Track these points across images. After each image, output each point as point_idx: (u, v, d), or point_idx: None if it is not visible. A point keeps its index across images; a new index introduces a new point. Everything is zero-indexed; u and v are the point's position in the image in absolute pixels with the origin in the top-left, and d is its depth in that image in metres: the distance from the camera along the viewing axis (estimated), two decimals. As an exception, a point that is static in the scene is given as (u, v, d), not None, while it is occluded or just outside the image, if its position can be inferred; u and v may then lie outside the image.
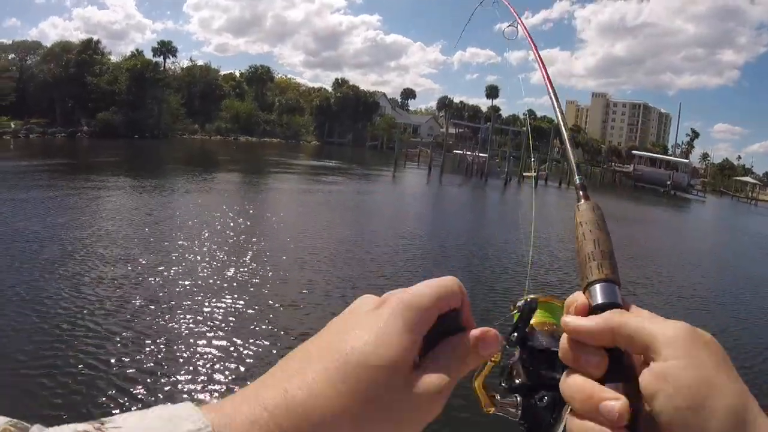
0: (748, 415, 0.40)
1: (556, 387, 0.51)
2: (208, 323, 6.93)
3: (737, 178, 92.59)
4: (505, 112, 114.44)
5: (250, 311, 7.56)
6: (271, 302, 8.06)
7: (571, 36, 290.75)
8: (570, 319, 0.49)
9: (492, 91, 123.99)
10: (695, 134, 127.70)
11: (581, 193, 0.60)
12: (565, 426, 0.50)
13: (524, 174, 44.45)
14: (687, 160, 73.72)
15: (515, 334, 0.54)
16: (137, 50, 61.79)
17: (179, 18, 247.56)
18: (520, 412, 0.54)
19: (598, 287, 0.50)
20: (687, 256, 18.49)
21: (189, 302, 7.56)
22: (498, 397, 0.54)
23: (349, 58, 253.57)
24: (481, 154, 46.48)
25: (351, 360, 0.43)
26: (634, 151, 78.12)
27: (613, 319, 0.47)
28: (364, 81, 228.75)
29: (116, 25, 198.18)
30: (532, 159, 51.56)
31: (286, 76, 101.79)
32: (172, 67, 69.64)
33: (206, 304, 7.54)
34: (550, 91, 0.74)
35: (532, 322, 0.56)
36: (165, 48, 70.68)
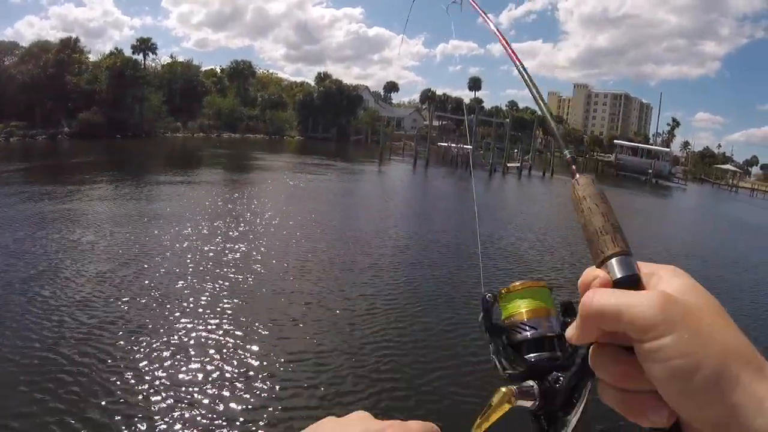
0: (728, 380, 0.41)
1: (565, 367, 0.52)
2: (195, 337, 6.80)
3: (718, 165, 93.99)
4: (487, 104, 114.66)
5: (235, 317, 7.52)
6: (257, 308, 8.06)
7: (554, 28, 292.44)
8: (569, 333, 0.50)
9: (475, 83, 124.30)
10: (676, 123, 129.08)
11: (573, 167, 0.60)
12: (586, 404, 0.51)
13: (508, 164, 44.96)
14: (668, 149, 74.84)
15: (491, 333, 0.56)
16: (117, 48, 61.06)
17: (158, 13, 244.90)
18: (538, 400, 0.54)
19: (616, 261, 0.50)
20: (671, 242, 18.84)
21: (172, 315, 7.37)
22: (515, 388, 0.54)
23: (332, 51, 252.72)
24: (465, 146, 46.73)
25: None
26: (616, 141, 78.95)
27: (591, 308, 0.47)
28: (347, 74, 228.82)
29: (93, 23, 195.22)
30: (515, 150, 52.07)
31: (267, 71, 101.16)
32: (153, 65, 68.97)
33: (190, 319, 7.32)
34: (516, 62, 0.71)
35: (523, 310, 0.56)
36: (145, 45, 69.90)
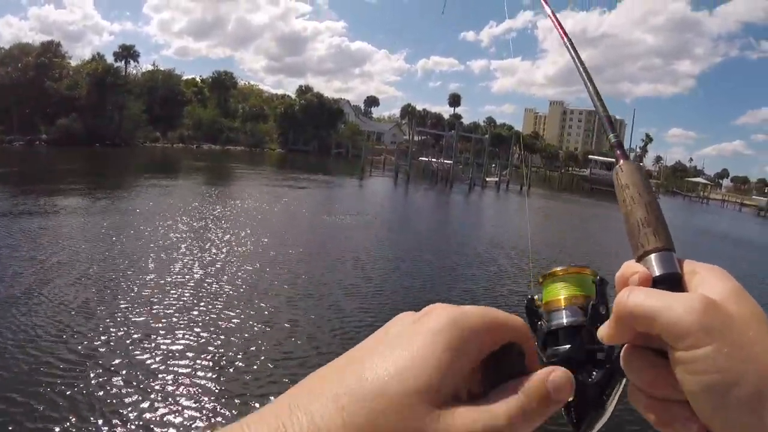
0: (766, 400, 0.38)
1: (601, 361, 0.51)
2: (177, 349, 6.71)
3: (689, 179, 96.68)
4: (466, 120, 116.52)
5: (219, 332, 7.46)
6: (240, 321, 8.05)
7: (533, 46, 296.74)
8: (602, 331, 0.47)
9: (454, 99, 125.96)
10: (649, 139, 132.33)
11: (619, 152, 0.56)
12: (615, 402, 0.50)
13: (486, 179, 45.95)
14: (641, 164, 76.36)
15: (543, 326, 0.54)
16: (98, 54, 60.53)
17: (138, 19, 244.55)
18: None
19: (656, 257, 0.47)
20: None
21: (151, 331, 7.14)
22: None
23: (313, 64, 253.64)
24: (445, 161, 47.66)
25: (366, 387, 0.37)
26: (590, 156, 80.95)
27: (625, 308, 0.44)
28: (328, 87, 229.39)
29: (73, 26, 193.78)
30: (494, 165, 53.14)
31: (248, 83, 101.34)
32: (134, 72, 68.63)
33: (171, 332, 7.18)
34: (571, 51, 0.71)
35: (561, 297, 0.55)
36: (127, 52, 69.53)
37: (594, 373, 0.51)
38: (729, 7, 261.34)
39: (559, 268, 0.56)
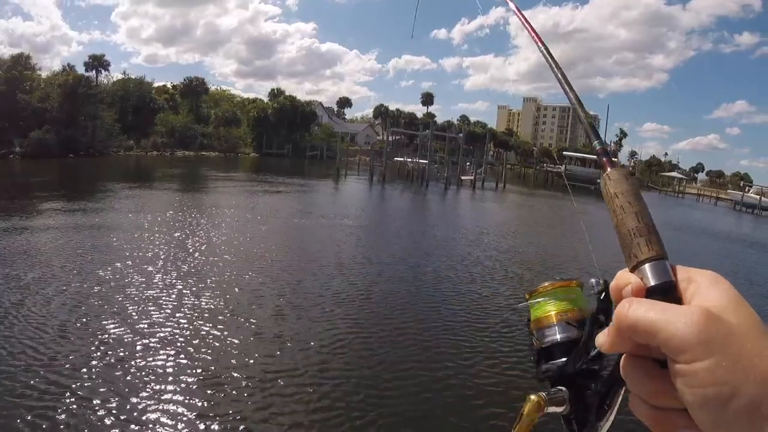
0: (766, 412, 0.38)
1: (597, 371, 0.51)
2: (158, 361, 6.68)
3: (664, 173, 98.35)
4: (440, 118, 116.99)
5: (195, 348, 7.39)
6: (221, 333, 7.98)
7: (505, 42, 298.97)
8: (600, 340, 0.48)
9: (427, 98, 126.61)
10: (623, 134, 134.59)
11: (604, 159, 0.55)
12: (616, 410, 0.50)
13: (462, 177, 46.20)
14: (615, 159, 77.60)
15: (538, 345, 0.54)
16: (68, 65, 59.90)
17: (106, 28, 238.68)
18: (568, 406, 0.53)
19: (650, 267, 0.47)
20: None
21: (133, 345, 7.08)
22: (545, 395, 0.53)
23: (283, 66, 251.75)
24: (420, 161, 47.86)
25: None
26: (565, 152, 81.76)
27: (626, 320, 0.44)
28: (299, 90, 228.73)
29: (41, 38, 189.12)
30: (468, 163, 53.46)
31: (220, 88, 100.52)
32: (105, 81, 67.81)
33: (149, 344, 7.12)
34: (538, 43, 0.70)
35: (552, 312, 0.54)
36: (98, 62, 68.75)
37: (592, 384, 0.51)
38: (702, 0, 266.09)
39: (546, 283, 0.56)
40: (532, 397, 0.52)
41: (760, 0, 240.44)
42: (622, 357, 0.46)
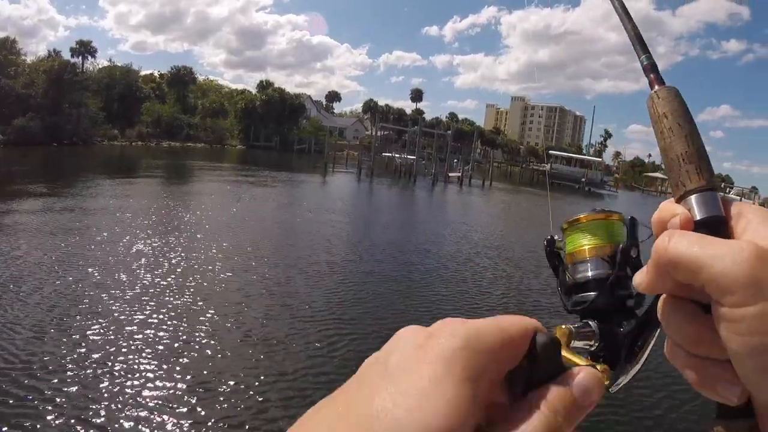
0: None
1: (630, 312, 0.48)
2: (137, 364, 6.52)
3: (648, 173, 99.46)
4: (428, 115, 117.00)
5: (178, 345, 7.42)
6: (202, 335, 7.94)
7: (496, 42, 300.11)
8: (638, 279, 0.42)
9: (417, 95, 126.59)
10: (608, 135, 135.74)
11: (652, 75, 0.49)
12: (648, 353, 0.47)
13: (449, 174, 46.32)
14: (600, 159, 78.74)
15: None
16: (54, 50, 58.89)
17: (94, 13, 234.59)
18: (598, 342, 0.50)
19: (697, 198, 0.43)
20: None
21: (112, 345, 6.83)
22: (573, 328, 0.49)
23: (273, 58, 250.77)
24: (408, 156, 47.87)
25: (376, 428, 0.33)
26: (551, 151, 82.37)
27: (665, 255, 0.39)
28: (288, 82, 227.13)
29: (27, 21, 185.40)
30: (456, 160, 53.59)
31: (208, 78, 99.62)
32: (91, 68, 66.78)
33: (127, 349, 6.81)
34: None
35: (586, 246, 0.53)
36: (84, 48, 67.68)
37: (624, 323, 0.49)
38: (692, 7, 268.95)
39: (582, 215, 0.54)
40: (562, 327, 0.48)
41: (748, 9, 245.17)
42: (661, 297, 0.43)
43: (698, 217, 0.42)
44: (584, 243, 0.53)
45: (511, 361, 0.38)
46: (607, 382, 0.42)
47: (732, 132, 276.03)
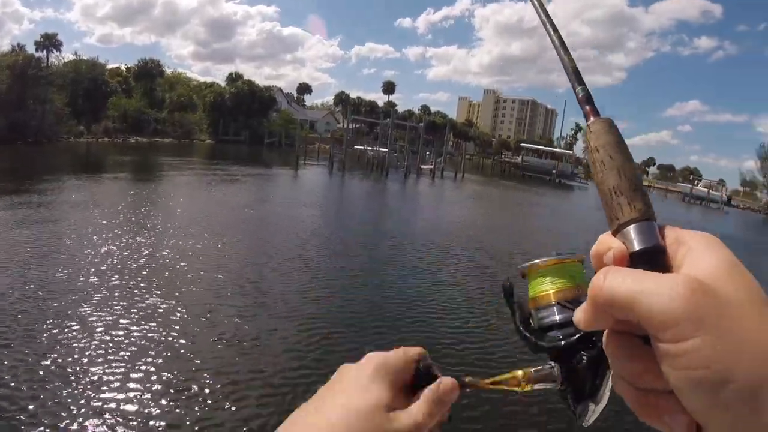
0: (766, 395, 0.32)
1: (592, 345, 0.49)
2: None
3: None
4: (401, 107, 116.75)
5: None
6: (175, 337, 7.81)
7: (469, 34, 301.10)
8: (577, 316, 0.42)
9: (389, 87, 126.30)
10: (579, 128, 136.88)
11: (587, 107, 0.48)
12: (609, 388, 0.47)
13: (421, 167, 46.35)
14: (570, 152, 79.71)
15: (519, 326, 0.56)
16: (18, 44, 57.10)
17: (60, 5, 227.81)
18: (560, 380, 0.52)
19: (633, 229, 0.42)
20: (580, 234, 20.18)
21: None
22: (533, 371, 0.53)
23: (243, 49, 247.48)
24: (381, 149, 47.73)
25: (331, 413, 0.55)
26: (523, 144, 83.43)
27: (601, 293, 0.39)
28: (258, 74, 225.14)
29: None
30: (428, 153, 53.69)
31: (176, 71, 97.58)
32: (56, 62, 64.75)
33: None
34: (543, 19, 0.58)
35: (550, 291, 0.53)
36: (49, 42, 65.65)
37: (584, 358, 0.49)
38: (665, 4, 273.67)
39: (540, 261, 0.53)
40: (519, 372, 0.54)
41: (720, 6, 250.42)
42: (604, 333, 0.42)
43: (635, 249, 0.41)
44: (548, 288, 0.53)
45: (407, 375, 0.60)
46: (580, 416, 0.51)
47: (699, 126, 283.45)
